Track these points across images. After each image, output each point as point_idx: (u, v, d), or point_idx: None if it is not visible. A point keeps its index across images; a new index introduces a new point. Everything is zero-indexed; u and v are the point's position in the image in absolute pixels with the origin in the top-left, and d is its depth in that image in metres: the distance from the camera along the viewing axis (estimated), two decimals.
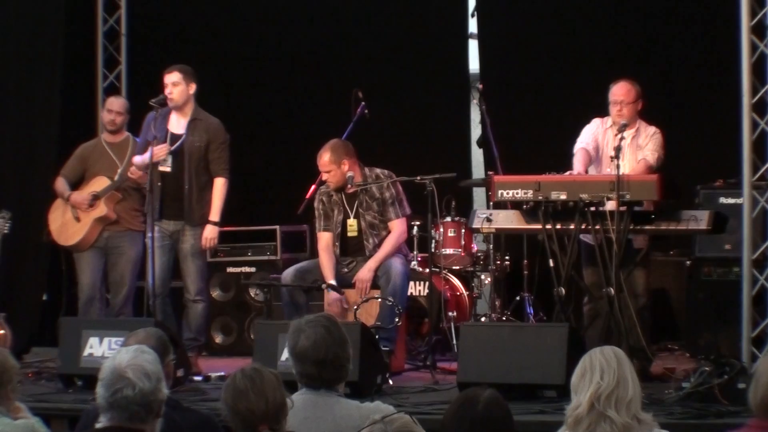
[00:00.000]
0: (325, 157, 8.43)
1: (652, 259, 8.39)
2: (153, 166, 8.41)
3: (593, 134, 8.13)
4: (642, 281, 8.03)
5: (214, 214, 8.57)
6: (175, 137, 8.59)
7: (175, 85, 8.58)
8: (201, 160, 8.58)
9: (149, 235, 8.49)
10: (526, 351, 7.24)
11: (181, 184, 8.57)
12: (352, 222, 8.54)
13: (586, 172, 8.00)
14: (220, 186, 8.59)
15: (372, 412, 4.02)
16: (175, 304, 8.82)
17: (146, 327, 5.26)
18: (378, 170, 8.60)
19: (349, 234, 8.56)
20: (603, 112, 8.53)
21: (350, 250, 8.61)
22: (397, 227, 8.53)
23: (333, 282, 8.38)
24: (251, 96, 10.82)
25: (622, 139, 7.82)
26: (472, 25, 10.50)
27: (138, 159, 8.65)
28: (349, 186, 8.48)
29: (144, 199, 8.69)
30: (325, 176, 8.46)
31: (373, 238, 8.53)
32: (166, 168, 8.54)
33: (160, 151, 8.47)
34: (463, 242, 9.46)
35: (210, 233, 8.57)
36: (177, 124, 8.64)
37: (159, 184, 8.48)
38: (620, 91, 8.06)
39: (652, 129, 8.09)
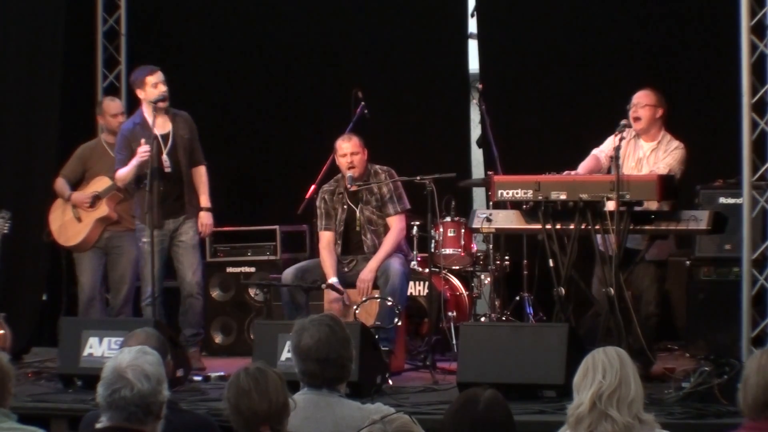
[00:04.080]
0: (354, 139, 8.54)
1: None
2: (154, 170, 8.41)
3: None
4: (652, 287, 8.00)
5: (207, 201, 8.68)
6: (164, 137, 8.61)
7: (165, 83, 8.62)
8: (190, 152, 8.67)
9: (145, 240, 8.47)
10: (526, 351, 7.24)
11: (180, 180, 8.61)
12: (359, 217, 8.56)
13: None
14: (204, 173, 8.73)
15: (373, 413, 4.02)
16: (168, 303, 8.81)
17: (145, 327, 5.25)
18: (377, 166, 8.62)
19: (356, 228, 8.58)
20: (602, 110, 8.54)
21: (352, 247, 8.62)
22: (396, 224, 8.54)
23: (334, 279, 8.39)
24: (251, 96, 10.81)
25: (621, 139, 7.81)
26: (472, 25, 10.49)
27: (122, 172, 8.62)
28: (350, 185, 8.49)
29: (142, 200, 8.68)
30: (350, 160, 8.46)
31: (371, 234, 8.55)
32: (167, 169, 8.55)
33: (146, 152, 8.46)
34: (462, 242, 9.46)
35: (208, 219, 8.69)
36: (159, 124, 8.63)
37: (161, 188, 8.49)
38: (639, 94, 8.02)
39: (675, 143, 8.01)
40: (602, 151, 8.09)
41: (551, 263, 7.87)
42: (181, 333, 8.67)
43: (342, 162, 8.54)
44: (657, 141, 8.05)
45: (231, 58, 10.80)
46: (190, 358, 8.33)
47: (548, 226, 7.78)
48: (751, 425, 4.05)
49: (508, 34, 10.34)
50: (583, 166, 8.03)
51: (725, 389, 6.75)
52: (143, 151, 8.43)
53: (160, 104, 8.56)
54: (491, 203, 8.70)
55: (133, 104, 9.32)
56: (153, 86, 8.58)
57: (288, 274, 8.52)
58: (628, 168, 7.95)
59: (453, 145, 10.48)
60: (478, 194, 10.41)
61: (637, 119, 8.00)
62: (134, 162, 8.49)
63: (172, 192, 8.60)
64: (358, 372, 6.81)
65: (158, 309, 8.58)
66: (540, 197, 7.71)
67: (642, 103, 8.02)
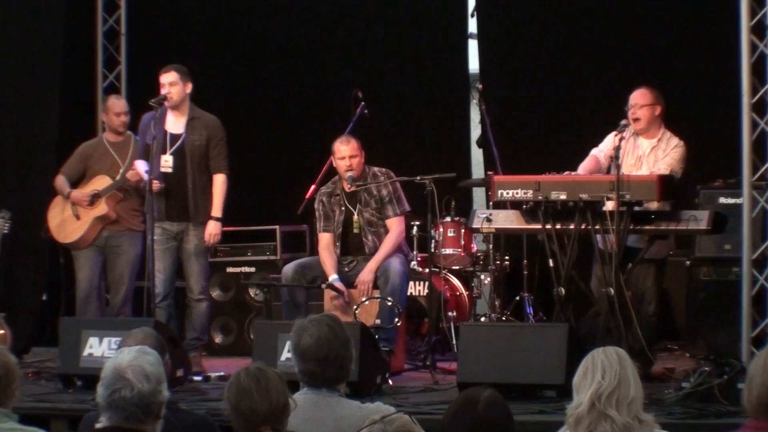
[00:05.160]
0: (353, 142, 8.51)
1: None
2: (151, 169, 8.44)
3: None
4: (652, 286, 8.00)
5: (216, 210, 8.59)
6: (174, 137, 8.60)
7: (173, 84, 8.58)
8: (202, 158, 8.60)
9: (150, 237, 8.48)
10: (526, 351, 7.25)
11: (184, 184, 8.58)
12: (357, 219, 8.56)
13: None
14: (220, 182, 8.61)
15: (373, 412, 4.01)
16: (177, 304, 8.82)
17: (143, 327, 5.25)
18: (375, 168, 8.62)
19: (355, 230, 8.58)
20: (601, 111, 8.53)
21: (351, 248, 8.62)
22: (396, 226, 8.54)
23: (335, 276, 8.38)
24: (251, 96, 10.82)
25: (621, 139, 7.81)
26: (472, 25, 10.50)
27: (141, 167, 8.66)
28: (349, 186, 8.50)
29: (144, 200, 8.69)
30: (349, 163, 8.45)
31: (371, 235, 8.55)
32: (168, 169, 8.55)
33: (135, 176, 8.66)
34: (462, 242, 9.46)
35: (213, 229, 8.57)
36: (174, 124, 8.64)
37: (162, 185, 8.48)
38: (635, 95, 8.03)
39: (675, 141, 8.01)
40: (601, 150, 8.09)
41: (551, 263, 7.87)
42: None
43: (340, 165, 8.53)
44: (657, 138, 8.05)
45: (231, 58, 10.81)
46: (190, 361, 8.32)
47: (548, 226, 7.78)
48: (754, 425, 4.03)
49: (508, 34, 10.33)
50: (583, 167, 8.03)
51: (725, 389, 6.76)
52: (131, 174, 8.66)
53: (165, 104, 8.57)
54: (491, 203, 8.70)
55: (133, 104, 9.32)
56: (161, 86, 8.61)
57: (288, 270, 8.52)
58: (628, 165, 7.95)
59: (453, 145, 10.48)
60: (478, 194, 10.40)
61: (636, 120, 8.00)
62: (142, 169, 8.62)
63: (174, 194, 8.58)
64: (358, 372, 6.81)
65: (170, 309, 8.61)
66: (540, 197, 7.72)
67: (640, 103, 8.02)
